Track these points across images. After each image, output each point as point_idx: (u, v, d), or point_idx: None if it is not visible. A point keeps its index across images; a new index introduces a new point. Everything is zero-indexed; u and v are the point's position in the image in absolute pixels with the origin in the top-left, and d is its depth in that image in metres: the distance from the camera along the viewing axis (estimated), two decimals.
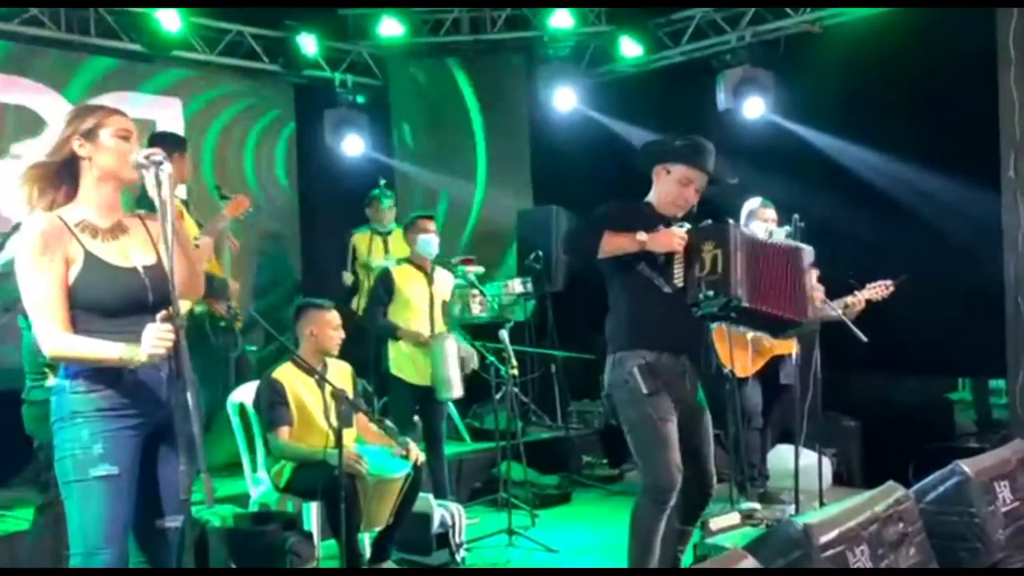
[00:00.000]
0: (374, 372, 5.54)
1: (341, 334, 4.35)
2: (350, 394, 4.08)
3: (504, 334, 5.23)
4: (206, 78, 7.16)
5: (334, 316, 4.34)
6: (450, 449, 5.52)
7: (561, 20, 7.26)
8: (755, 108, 6.63)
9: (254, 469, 4.50)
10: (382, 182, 6.90)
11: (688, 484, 3.46)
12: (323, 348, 4.29)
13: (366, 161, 7.50)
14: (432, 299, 5.22)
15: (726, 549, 3.27)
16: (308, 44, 7.11)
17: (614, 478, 6.38)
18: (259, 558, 3.86)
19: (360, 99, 7.52)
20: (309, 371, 4.06)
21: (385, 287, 5.19)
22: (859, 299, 4.82)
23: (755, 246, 3.42)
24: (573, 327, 6.90)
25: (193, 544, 2.46)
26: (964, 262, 5.50)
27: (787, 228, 4.31)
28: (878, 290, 4.85)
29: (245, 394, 4.50)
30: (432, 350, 5.05)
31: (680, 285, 3.40)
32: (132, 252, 2.61)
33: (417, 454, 4.22)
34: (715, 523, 4.09)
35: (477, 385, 5.87)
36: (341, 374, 4.37)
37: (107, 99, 6.17)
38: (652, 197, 3.57)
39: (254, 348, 5.91)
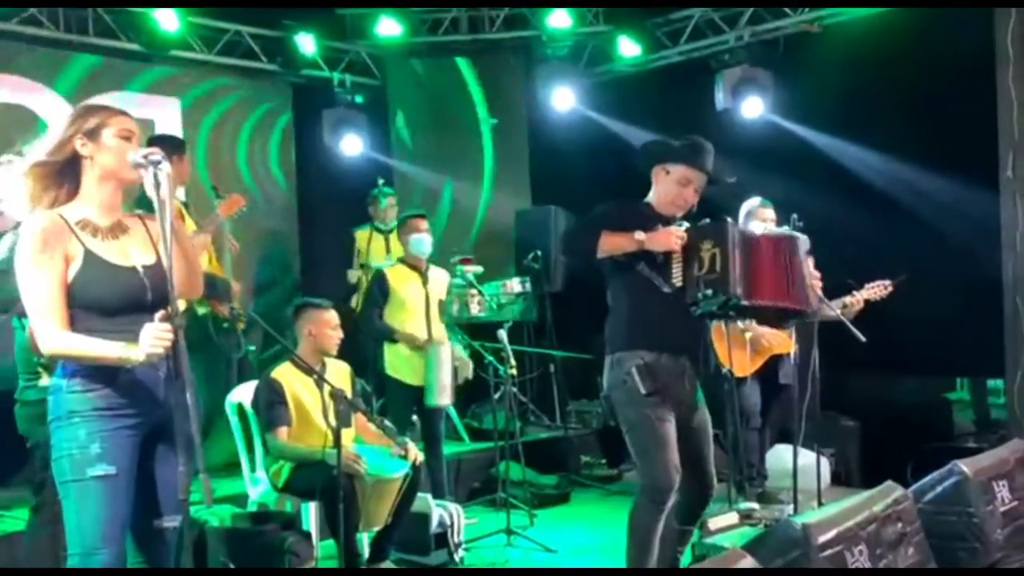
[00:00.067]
0: (372, 372, 5.54)
1: (340, 334, 4.35)
2: (349, 394, 4.07)
3: (503, 334, 5.23)
4: (204, 78, 7.15)
5: (333, 316, 4.34)
6: (448, 449, 5.52)
7: (559, 20, 7.25)
8: (754, 108, 6.63)
9: (252, 469, 4.49)
10: (380, 181, 6.90)
11: (688, 485, 3.46)
12: (322, 348, 4.28)
13: (364, 161, 7.50)
14: (428, 299, 5.21)
15: (725, 549, 3.27)
16: (306, 44, 7.11)
17: (612, 478, 6.38)
18: (257, 558, 3.86)
19: (358, 99, 7.52)
20: (308, 371, 4.06)
21: (380, 289, 5.18)
22: (857, 299, 4.82)
23: (751, 241, 3.42)
24: (572, 327, 6.90)
25: (192, 544, 2.46)
26: (962, 262, 5.50)
27: (786, 228, 4.31)
28: (876, 290, 4.86)
29: (243, 394, 4.50)
30: (427, 355, 5.03)
31: (679, 284, 3.40)
32: (132, 251, 2.61)
33: (416, 454, 4.22)
34: (714, 523, 4.09)
35: (476, 385, 5.87)
36: (340, 374, 4.36)
37: (104, 98, 6.16)
38: (651, 197, 3.57)
39: (253, 348, 5.91)
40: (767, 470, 5.34)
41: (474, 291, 6.00)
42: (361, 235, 6.66)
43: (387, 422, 4.17)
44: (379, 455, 4.20)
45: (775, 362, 5.15)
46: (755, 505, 4.88)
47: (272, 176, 7.57)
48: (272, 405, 4.16)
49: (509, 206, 7.68)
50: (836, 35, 6.39)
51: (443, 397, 5.02)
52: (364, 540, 4.28)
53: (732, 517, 4.31)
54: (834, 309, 4.53)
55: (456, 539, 4.56)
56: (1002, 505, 3.31)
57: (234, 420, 4.51)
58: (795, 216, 4.26)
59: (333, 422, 3.56)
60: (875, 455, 5.81)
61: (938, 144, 5.64)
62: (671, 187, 3.52)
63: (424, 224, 5.24)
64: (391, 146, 7.87)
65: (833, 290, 4.66)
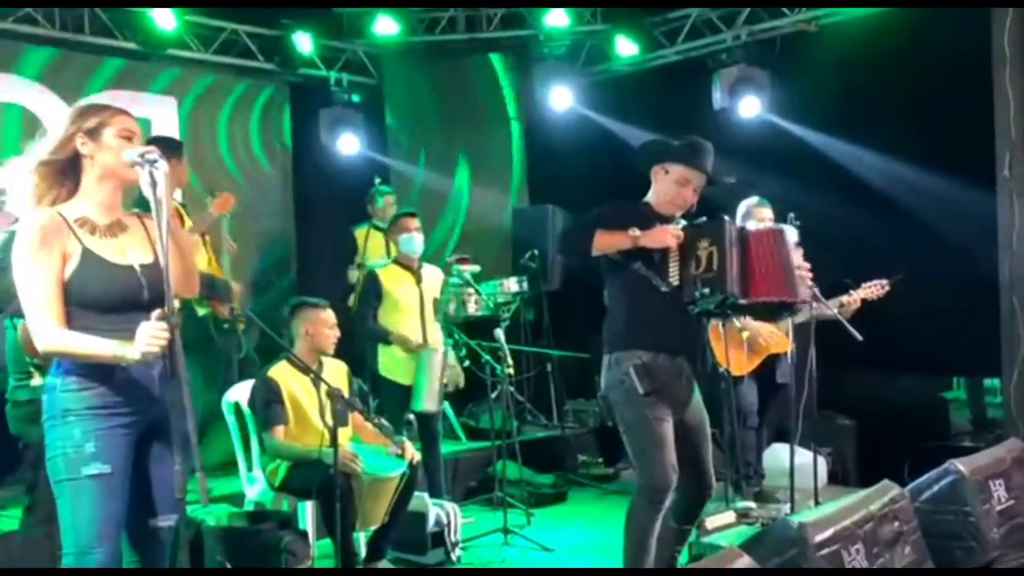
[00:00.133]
0: (368, 372, 5.53)
1: (336, 333, 4.35)
2: (346, 393, 4.07)
3: (500, 333, 5.22)
4: (201, 77, 7.14)
5: (329, 315, 4.33)
6: (445, 448, 5.51)
7: (557, 19, 7.25)
8: (751, 107, 6.63)
9: (249, 468, 4.49)
10: (377, 180, 6.89)
11: (686, 484, 3.46)
12: (319, 347, 4.28)
13: (361, 160, 7.49)
14: (422, 298, 5.20)
15: (722, 548, 3.27)
16: (303, 43, 7.10)
17: (609, 477, 6.38)
18: (254, 557, 3.85)
19: (355, 98, 7.51)
20: (305, 370, 4.06)
21: (373, 290, 5.16)
22: (854, 298, 4.83)
23: (745, 238, 3.42)
24: (568, 326, 6.90)
25: (188, 543, 2.45)
26: (959, 261, 5.50)
27: (787, 225, 4.31)
28: (873, 289, 4.87)
29: (240, 393, 4.49)
30: (419, 359, 5.00)
31: (676, 283, 3.41)
32: (129, 250, 2.61)
33: (412, 453, 4.22)
34: (711, 522, 4.09)
35: (473, 384, 5.87)
36: (337, 373, 4.36)
37: (101, 97, 6.15)
38: (651, 197, 3.57)
39: (253, 350, 5.90)
40: (764, 469, 5.33)
41: (471, 290, 5.99)
42: (360, 233, 6.65)
43: (384, 421, 4.17)
44: (376, 454, 4.20)
45: (772, 361, 5.15)
46: (752, 504, 4.89)
47: (269, 175, 7.56)
48: (269, 404, 4.15)
49: (506, 205, 7.67)
50: (833, 35, 6.39)
51: (429, 403, 4.97)
52: (361, 539, 4.28)
53: (729, 516, 4.32)
54: (831, 308, 4.54)
55: (453, 538, 4.56)
56: (998, 504, 3.31)
57: (231, 419, 4.51)
58: (792, 215, 4.26)
59: (330, 421, 3.55)
60: (872, 454, 5.81)
61: (935, 144, 5.64)
62: (670, 187, 3.51)
63: (415, 223, 5.22)
64: (388, 145, 7.87)
65: (830, 289, 4.66)
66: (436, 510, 4.53)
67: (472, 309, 6.12)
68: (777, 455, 5.27)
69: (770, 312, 3.76)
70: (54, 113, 6.27)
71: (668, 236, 3.37)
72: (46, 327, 2.48)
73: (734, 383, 5.02)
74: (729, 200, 4.88)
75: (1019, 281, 5.27)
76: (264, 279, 7.28)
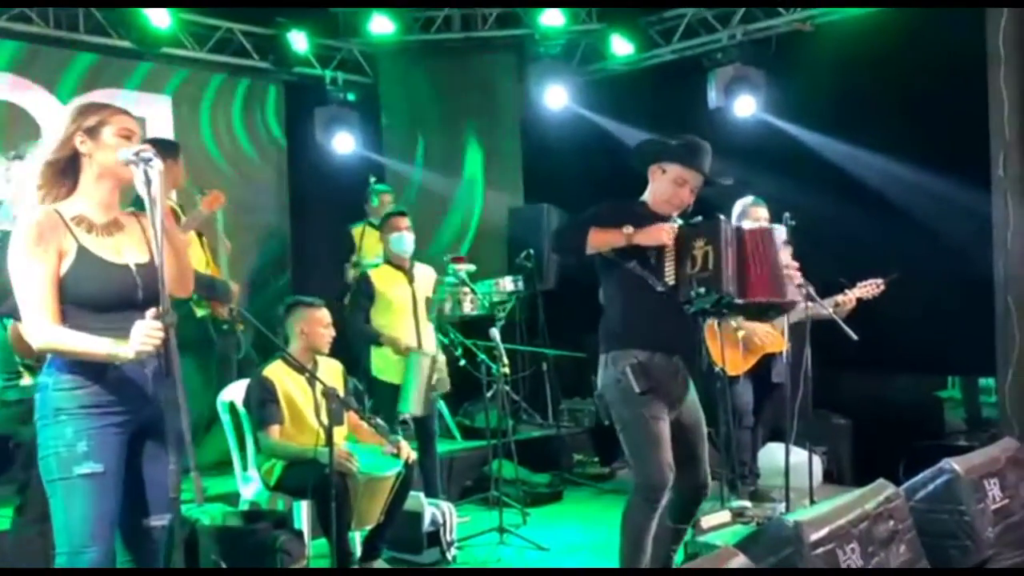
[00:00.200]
0: (363, 372, 5.52)
1: (332, 332, 4.34)
2: (341, 392, 4.06)
3: (495, 332, 5.22)
4: (196, 75, 7.13)
5: (324, 314, 4.33)
6: (441, 447, 5.50)
7: (552, 18, 7.25)
8: (746, 106, 6.64)
9: (244, 467, 4.48)
10: (372, 179, 6.89)
11: (682, 483, 3.46)
12: (314, 346, 4.27)
13: (357, 159, 7.49)
14: (415, 298, 5.19)
15: (717, 547, 3.28)
16: (299, 41, 7.09)
17: (605, 476, 6.38)
18: (249, 557, 3.85)
19: (351, 97, 7.51)
20: (300, 369, 4.05)
21: (365, 292, 5.14)
22: (849, 297, 4.84)
23: (739, 237, 3.43)
24: (564, 325, 6.90)
25: (183, 543, 2.44)
26: (954, 260, 5.51)
27: (781, 225, 4.31)
28: (868, 288, 4.87)
29: (235, 392, 4.49)
30: (408, 362, 4.97)
31: (672, 283, 3.41)
32: (125, 249, 2.61)
33: (408, 452, 4.21)
34: (706, 521, 4.09)
35: (468, 383, 5.86)
36: (332, 372, 4.36)
37: (96, 96, 6.14)
38: (647, 196, 3.57)
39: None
40: (759, 468, 5.34)
41: (467, 289, 5.99)
42: (356, 231, 6.65)
43: (379, 420, 4.16)
44: (371, 454, 4.19)
45: (768, 361, 5.15)
46: (747, 503, 4.89)
47: (264, 174, 7.56)
48: (264, 403, 4.15)
49: (502, 204, 7.67)
50: (828, 34, 6.40)
51: (416, 407, 4.94)
52: (356, 539, 4.27)
53: (724, 515, 4.32)
54: (826, 308, 4.54)
55: (448, 537, 4.56)
56: (993, 503, 3.32)
57: (226, 418, 4.50)
58: (788, 215, 4.26)
59: (325, 420, 3.55)
60: (867, 453, 5.82)
61: (930, 143, 5.65)
62: (667, 186, 3.51)
63: (404, 222, 5.20)
64: (383, 144, 7.86)
65: (825, 289, 4.66)
66: (432, 509, 4.53)
67: (468, 308, 6.12)
68: (772, 454, 5.27)
69: (759, 312, 3.77)
70: (48, 112, 6.27)
71: (663, 233, 3.37)
72: (41, 324, 2.48)
73: (730, 382, 5.02)
74: (725, 200, 4.88)
75: (1014, 280, 5.28)
76: (260, 278, 7.28)
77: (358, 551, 4.26)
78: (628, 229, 3.35)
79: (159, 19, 6.34)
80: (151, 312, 2.41)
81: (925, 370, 6.23)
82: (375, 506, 4.12)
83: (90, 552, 2.47)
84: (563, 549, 4.79)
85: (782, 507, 4.57)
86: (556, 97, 7.38)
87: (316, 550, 4.24)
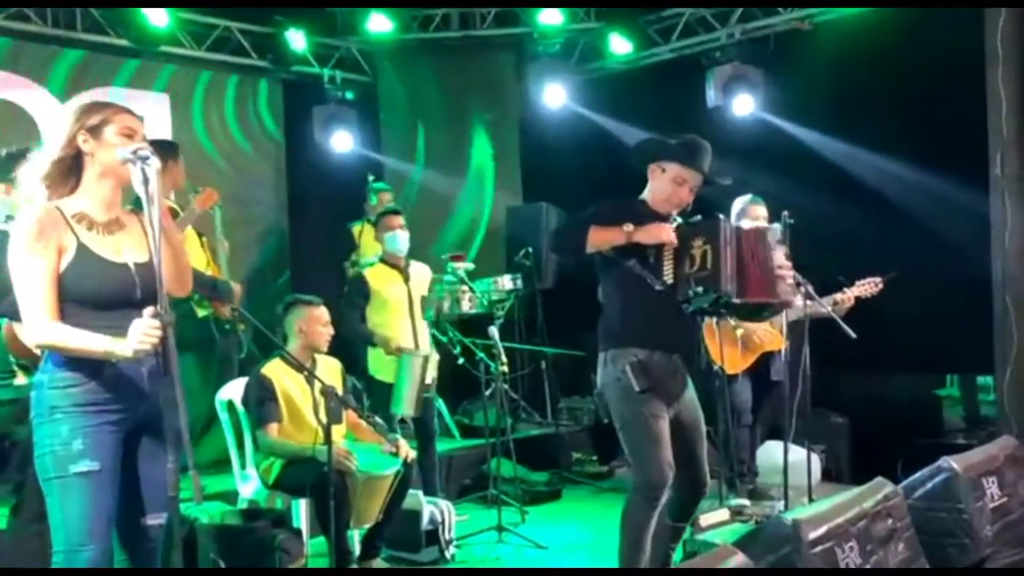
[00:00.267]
0: (361, 370, 5.52)
1: (330, 330, 4.34)
2: (339, 390, 4.06)
3: (494, 330, 5.21)
4: (193, 74, 7.12)
5: (323, 312, 4.32)
6: (440, 446, 5.50)
7: (551, 17, 7.25)
8: (745, 105, 6.64)
9: (243, 466, 4.48)
10: (371, 178, 6.89)
11: (681, 482, 3.46)
12: (312, 344, 4.27)
13: (355, 157, 7.48)
14: (410, 296, 5.18)
15: (716, 545, 3.28)
16: (297, 40, 7.09)
17: (604, 475, 6.38)
18: (248, 555, 3.85)
19: (349, 95, 7.50)
20: (298, 367, 4.05)
21: (360, 292, 5.12)
22: (848, 296, 4.84)
23: (738, 237, 3.43)
24: (563, 324, 6.90)
25: (182, 541, 2.44)
26: (952, 259, 5.52)
27: (777, 225, 4.32)
28: (867, 287, 4.88)
29: (234, 391, 4.48)
30: (400, 363, 4.92)
31: (670, 282, 3.41)
32: (125, 248, 2.61)
33: (407, 451, 4.21)
34: (705, 519, 4.10)
35: (467, 382, 5.86)
36: (330, 370, 4.35)
37: (94, 95, 6.13)
38: (647, 195, 3.57)
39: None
40: (758, 467, 5.34)
41: (465, 287, 5.99)
42: (356, 229, 6.65)
43: (378, 419, 4.16)
44: (370, 452, 4.19)
45: (766, 359, 5.16)
46: (746, 501, 4.89)
47: (262, 173, 7.55)
48: (262, 402, 4.15)
49: (501, 203, 7.67)
50: (827, 33, 6.41)
51: (408, 408, 4.92)
52: (355, 537, 4.27)
53: (723, 514, 4.32)
54: (825, 306, 4.54)
55: (447, 536, 4.56)
56: (991, 501, 3.33)
57: (224, 417, 4.50)
58: (786, 213, 4.26)
59: (324, 419, 3.55)
60: (865, 451, 5.83)
61: (928, 142, 5.66)
62: (666, 185, 3.51)
63: (398, 221, 5.19)
64: (381, 142, 7.85)
65: (824, 287, 4.67)
66: (430, 508, 4.52)
67: (466, 307, 6.11)
68: (771, 453, 5.28)
69: (751, 312, 3.77)
70: (45, 111, 6.26)
71: (663, 232, 3.37)
72: (39, 320, 2.48)
73: (728, 381, 5.02)
74: (724, 199, 4.88)
75: (1012, 279, 5.29)
76: (259, 277, 7.27)
77: (357, 550, 4.25)
78: (628, 227, 3.35)
79: (157, 18, 6.34)
80: (148, 310, 2.41)
81: (923, 368, 6.24)
82: (374, 505, 4.12)
83: (87, 550, 2.47)
84: (562, 548, 4.79)
85: (780, 505, 4.57)
86: (555, 96, 7.38)
87: (315, 549, 4.24)
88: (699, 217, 3.51)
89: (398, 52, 7.75)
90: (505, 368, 5.26)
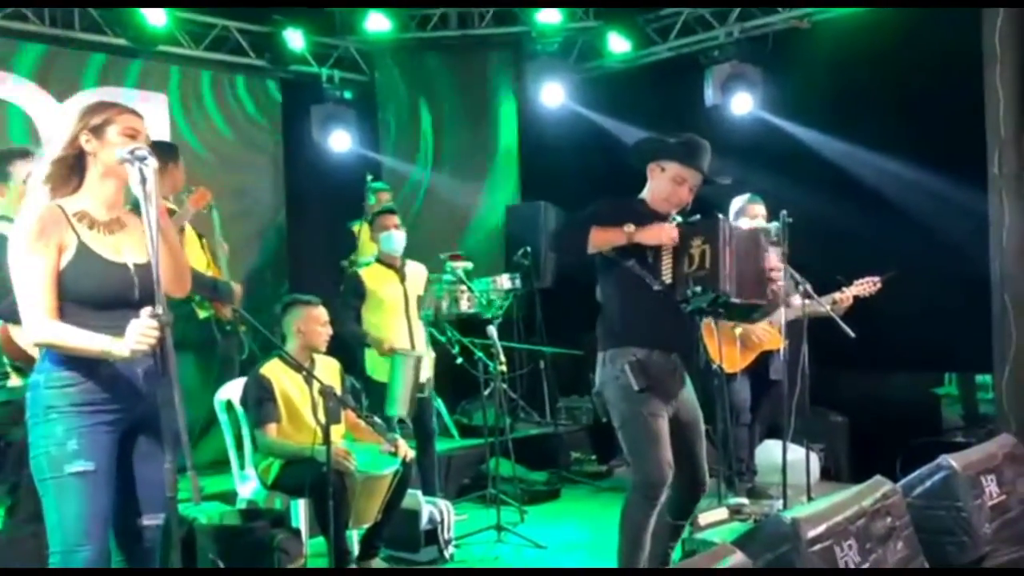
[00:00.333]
0: (360, 369, 5.52)
1: (329, 330, 4.33)
2: (338, 390, 4.06)
3: (492, 330, 5.21)
4: (192, 73, 7.12)
5: (321, 312, 4.32)
6: (439, 445, 5.50)
7: (549, 16, 7.25)
8: (743, 104, 6.64)
9: (242, 466, 4.48)
10: (369, 177, 6.88)
11: (680, 481, 3.46)
12: (311, 344, 4.27)
13: (353, 157, 7.48)
14: (406, 296, 5.17)
15: (714, 544, 3.28)
16: (295, 39, 7.08)
17: (602, 474, 6.38)
18: (247, 555, 3.85)
19: (347, 94, 7.50)
20: (297, 367, 4.05)
21: (355, 292, 5.10)
22: (847, 295, 4.84)
23: (737, 237, 3.43)
24: (561, 323, 6.90)
25: (180, 542, 2.44)
26: (951, 258, 5.52)
27: (775, 224, 4.32)
28: (865, 286, 4.88)
29: (232, 391, 4.48)
30: (393, 364, 4.89)
31: (669, 281, 3.41)
32: (125, 249, 2.61)
33: (406, 450, 4.21)
34: (703, 518, 4.10)
35: (466, 381, 5.86)
36: (329, 370, 4.35)
37: (92, 94, 6.13)
38: (646, 194, 3.56)
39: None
40: (756, 465, 5.34)
41: (464, 287, 5.99)
42: (356, 229, 6.65)
43: (377, 419, 4.16)
44: (369, 452, 4.19)
45: (765, 358, 5.16)
46: (745, 500, 4.89)
47: (261, 172, 7.54)
48: (261, 402, 4.14)
49: (496, 201, 7.66)
50: (825, 32, 6.41)
51: (402, 408, 4.90)
52: (354, 537, 4.27)
53: (722, 512, 4.32)
54: (824, 305, 4.55)
55: (446, 536, 4.56)
56: (990, 499, 3.33)
57: (223, 417, 4.50)
58: (784, 212, 4.26)
59: (322, 419, 3.54)
60: (864, 450, 5.83)
61: (926, 141, 5.66)
62: (666, 185, 3.51)
63: (394, 220, 5.18)
64: (380, 142, 7.85)
65: (822, 286, 4.67)
66: (429, 508, 4.52)
67: (465, 306, 6.11)
68: (770, 451, 5.28)
69: (743, 314, 3.77)
70: (44, 111, 6.26)
71: (664, 233, 3.37)
72: (38, 318, 2.48)
73: (727, 380, 5.03)
74: (723, 198, 4.88)
75: (1010, 278, 5.29)
76: (257, 276, 7.26)
77: (356, 550, 4.25)
78: (629, 227, 3.35)
79: (155, 18, 6.33)
80: (146, 311, 2.40)
81: (922, 367, 6.24)
82: (373, 504, 4.12)
83: (84, 551, 2.46)
84: (561, 547, 4.79)
85: (779, 504, 4.57)
86: (553, 95, 7.38)
87: (314, 549, 4.24)
88: (698, 216, 3.50)
89: (396, 51, 7.74)
90: (504, 368, 5.26)
